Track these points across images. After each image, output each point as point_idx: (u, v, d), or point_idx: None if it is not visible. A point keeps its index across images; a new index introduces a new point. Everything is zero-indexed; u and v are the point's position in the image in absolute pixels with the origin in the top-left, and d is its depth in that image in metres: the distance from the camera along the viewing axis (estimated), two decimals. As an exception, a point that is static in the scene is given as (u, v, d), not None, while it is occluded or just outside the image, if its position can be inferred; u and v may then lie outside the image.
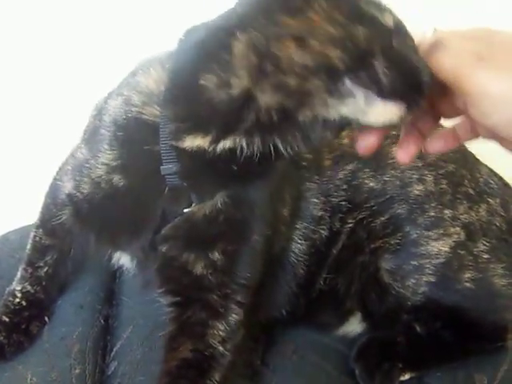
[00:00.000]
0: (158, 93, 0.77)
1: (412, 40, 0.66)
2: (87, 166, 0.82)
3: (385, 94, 0.62)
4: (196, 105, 0.71)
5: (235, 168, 0.73)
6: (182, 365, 0.82)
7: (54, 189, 0.92)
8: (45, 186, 0.95)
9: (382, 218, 0.93)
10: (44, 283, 0.96)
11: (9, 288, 0.96)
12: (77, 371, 0.89)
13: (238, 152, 0.70)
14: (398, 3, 0.68)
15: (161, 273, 0.85)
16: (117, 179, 0.79)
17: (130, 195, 0.80)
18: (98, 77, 1.28)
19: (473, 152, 1.01)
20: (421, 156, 0.94)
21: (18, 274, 0.96)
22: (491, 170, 1.02)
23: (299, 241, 0.92)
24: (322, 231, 0.93)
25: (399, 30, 0.65)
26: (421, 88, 0.63)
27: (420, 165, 0.94)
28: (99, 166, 0.80)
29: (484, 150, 1.01)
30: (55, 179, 0.93)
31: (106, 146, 0.80)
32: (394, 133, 0.93)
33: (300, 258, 0.92)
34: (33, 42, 1.40)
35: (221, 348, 0.83)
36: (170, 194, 0.79)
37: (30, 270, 0.95)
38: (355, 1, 0.64)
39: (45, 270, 0.95)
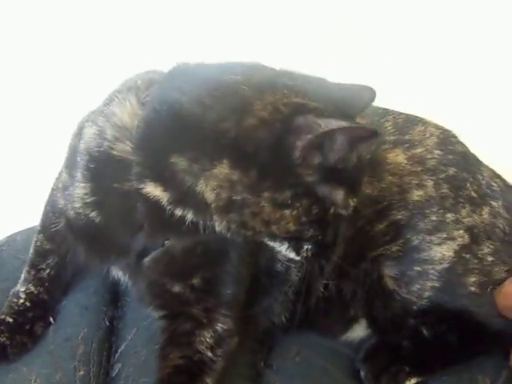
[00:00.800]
0: (131, 127, 0.78)
1: None
2: (68, 193, 0.85)
3: None
4: (161, 166, 0.74)
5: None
6: (174, 371, 0.85)
7: (52, 198, 0.95)
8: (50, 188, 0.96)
9: (381, 226, 0.93)
10: (47, 284, 0.97)
11: (13, 289, 0.97)
12: (81, 373, 0.89)
13: (201, 228, 0.76)
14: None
15: (150, 290, 0.88)
16: (93, 215, 0.82)
17: (109, 230, 0.83)
18: (102, 77, 1.28)
19: (475, 153, 1.01)
20: (420, 161, 0.94)
21: (22, 276, 0.97)
22: (493, 172, 1.02)
23: None
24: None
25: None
26: None
27: (419, 170, 0.94)
28: (76, 199, 0.83)
29: (486, 152, 1.02)
30: (53, 189, 0.96)
31: (79, 176, 0.82)
32: (391, 138, 0.93)
33: (292, 265, 0.91)
34: (34, 45, 1.40)
35: (210, 354, 0.86)
36: (149, 230, 0.81)
37: (32, 272, 0.97)
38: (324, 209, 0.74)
39: (47, 271, 0.97)
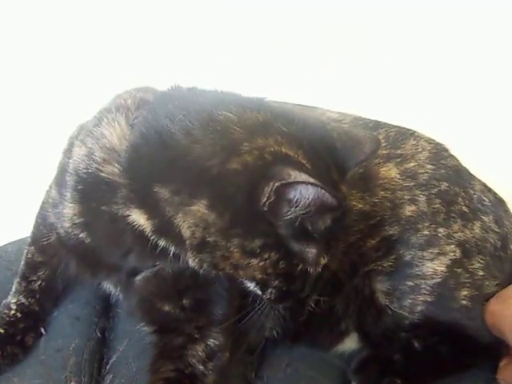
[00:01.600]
0: (120, 149, 0.78)
1: None
2: (58, 211, 0.85)
3: None
4: (146, 193, 0.74)
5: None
6: None
7: (42, 211, 0.95)
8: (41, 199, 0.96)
9: (373, 241, 0.92)
10: (38, 296, 0.97)
11: (5, 301, 0.97)
12: (72, 383, 0.89)
13: (182, 260, 0.76)
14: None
15: (140, 306, 0.88)
16: (83, 236, 0.82)
17: (99, 250, 0.83)
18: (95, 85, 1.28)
19: (467, 166, 1.01)
20: (412, 176, 0.93)
21: (13, 287, 0.98)
22: (485, 186, 1.02)
23: None
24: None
25: None
26: None
27: (411, 185, 0.93)
28: (66, 219, 0.83)
29: (479, 166, 1.01)
30: (43, 202, 0.95)
31: (68, 196, 0.82)
32: (384, 152, 0.92)
33: None
34: (33, 50, 1.40)
35: (201, 367, 0.86)
36: (138, 254, 0.81)
37: (23, 284, 0.97)
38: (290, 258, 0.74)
39: (38, 283, 0.97)
